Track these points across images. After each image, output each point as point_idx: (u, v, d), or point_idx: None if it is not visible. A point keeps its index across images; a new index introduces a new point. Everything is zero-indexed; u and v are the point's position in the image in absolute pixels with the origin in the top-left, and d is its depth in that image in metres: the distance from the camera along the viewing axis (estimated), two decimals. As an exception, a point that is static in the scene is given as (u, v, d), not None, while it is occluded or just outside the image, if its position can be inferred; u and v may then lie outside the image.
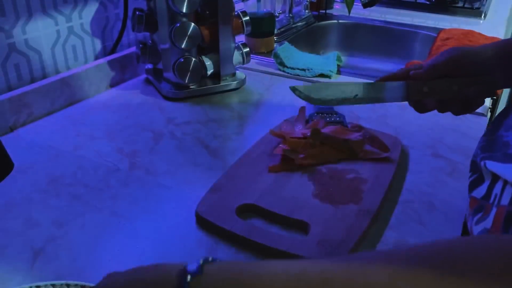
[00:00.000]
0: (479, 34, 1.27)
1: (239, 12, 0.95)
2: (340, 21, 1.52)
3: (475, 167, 0.54)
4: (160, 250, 0.54)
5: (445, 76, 0.60)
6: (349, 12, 1.41)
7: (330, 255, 0.52)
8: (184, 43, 0.88)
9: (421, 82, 0.61)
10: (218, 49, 0.93)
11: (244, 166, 0.68)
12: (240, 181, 0.64)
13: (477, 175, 0.53)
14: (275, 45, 1.24)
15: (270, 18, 1.20)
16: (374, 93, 0.62)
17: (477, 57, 0.60)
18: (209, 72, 0.94)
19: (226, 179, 0.65)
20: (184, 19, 0.87)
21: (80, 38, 0.95)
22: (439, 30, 1.34)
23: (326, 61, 1.10)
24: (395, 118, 0.86)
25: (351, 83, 0.62)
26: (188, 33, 0.87)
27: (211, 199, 0.60)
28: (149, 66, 1.01)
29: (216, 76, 0.96)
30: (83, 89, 0.92)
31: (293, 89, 0.61)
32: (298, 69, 1.07)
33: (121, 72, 1.00)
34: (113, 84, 0.99)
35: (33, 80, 0.88)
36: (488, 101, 0.95)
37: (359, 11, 1.56)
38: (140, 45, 0.94)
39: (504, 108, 0.57)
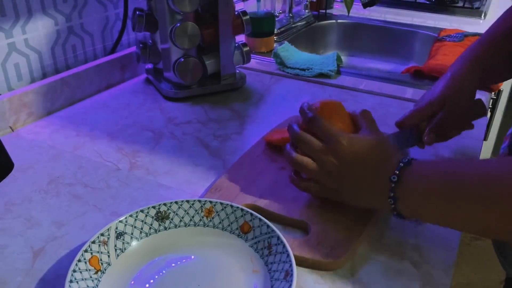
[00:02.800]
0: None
1: (239, 12, 0.95)
2: (340, 21, 1.52)
3: None
4: (160, 250, 0.54)
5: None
6: (348, 12, 1.40)
7: (331, 256, 0.52)
8: (184, 43, 0.88)
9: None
10: (218, 49, 0.93)
11: (244, 166, 0.68)
12: (240, 181, 0.64)
13: None
14: (275, 45, 1.24)
15: (270, 18, 1.20)
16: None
17: (466, 94, 0.69)
18: (209, 72, 0.94)
19: (226, 179, 0.65)
20: (184, 19, 0.87)
21: (80, 38, 0.95)
22: (439, 30, 1.34)
23: (326, 60, 1.10)
24: (395, 118, 0.86)
25: None
26: (188, 33, 0.87)
27: (211, 199, 0.60)
28: (149, 66, 1.01)
29: (216, 76, 0.96)
30: (83, 89, 0.92)
31: None
32: (298, 68, 1.07)
33: (121, 72, 1.00)
34: (113, 84, 0.99)
35: (33, 80, 0.88)
36: (488, 101, 0.95)
37: (359, 11, 1.56)
38: (140, 45, 0.94)
39: None
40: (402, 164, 0.51)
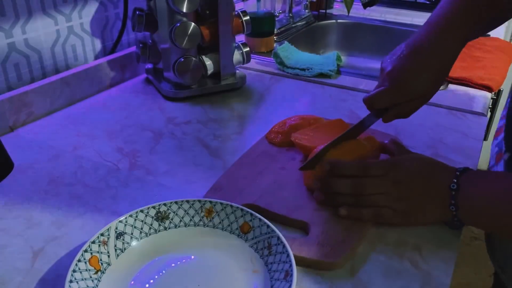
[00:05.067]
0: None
1: (239, 12, 0.95)
2: (340, 20, 1.52)
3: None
4: (160, 250, 0.54)
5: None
6: (348, 12, 1.40)
7: (331, 256, 0.52)
8: (184, 43, 0.88)
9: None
10: (218, 49, 0.93)
11: (244, 166, 0.68)
12: (240, 181, 0.64)
13: None
14: (275, 44, 1.24)
15: (270, 17, 1.20)
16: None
17: (419, 82, 0.62)
18: (209, 72, 0.94)
19: (226, 179, 0.65)
20: (184, 19, 0.87)
21: (80, 38, 0.95)
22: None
23: (326, 60, 1.10)
24: (395, 118, 0.86)
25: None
26: (188, 32, 0.87)
27: (211, 198, 0.60)
28: (149, 65, 1.01)
29: (216, 76, 0.96)
30: (83, 89, 0.92)
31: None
32: (298, 68, 1.07)
33: (121, 72, 1.00)
34: (113, 84, 0.99)
35: (33, 80, 0.88)
36: (488, 101, 0.95)
37: (359, 11, 1.56)
38: (140, 45, 0.94)
39: None
40: (459, 173, 0.53)
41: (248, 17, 0.95)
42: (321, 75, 1.05)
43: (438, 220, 0.56)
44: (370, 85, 1.00)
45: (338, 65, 1.08)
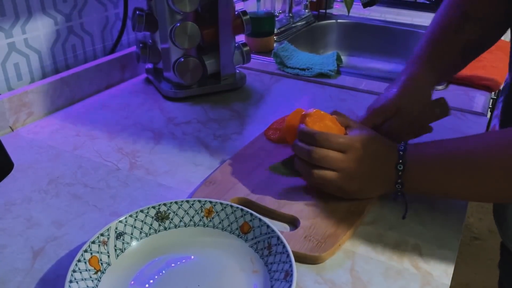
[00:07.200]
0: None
1: (239, 12, 0.95)
2: (340, 20, 1.52)
3: None
4: (160, 250, 0.54)
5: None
6: (348, 12, 1.40)
7: (316, 250, 0.52)
8: (184, 43, 0.88)
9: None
10: (218, 49, 0.93)
11: (239, 161, 0.68)
12: (234, 175, 0.65)
13: None
14: (275, 44, 1.24)
15: (270, 17, 1.20)
16: None
17: (421, 97, 0.68)
18: (209, 72, 0.94)
19: (221, 173, 0.65)
20: (184, 19, 0.87)
21: (80, 38, 0.95)
22: (439, 30, 1.33)
23: (326, 60, 1.10)
24: (395, 118, 0.86)
25: None
26: (188, 32, 0.87)
27: (204, 191, 0.61)
28: (149, 65, 1.01)
29: (216, 76, 0.96)
30: (83, 88, 0.92)
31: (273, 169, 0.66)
32: (298, 68, 1.07)
33: (121, 71, 1.00)
34: (113, 84, 0.99)
35: (33, 80, 0.88)
36: (488, 101, 0.95)
37: (359, 11, 1.56)
38: (140, 45, 0.94)
39: None
40: (402, 152, 0.56)
41: (248, 17, 0.95)
42: (321, 75, 1.05)
43: (381, 194, 0.60)
44: (370, 85, 1.00)
45: (338, 65, 1.08)
